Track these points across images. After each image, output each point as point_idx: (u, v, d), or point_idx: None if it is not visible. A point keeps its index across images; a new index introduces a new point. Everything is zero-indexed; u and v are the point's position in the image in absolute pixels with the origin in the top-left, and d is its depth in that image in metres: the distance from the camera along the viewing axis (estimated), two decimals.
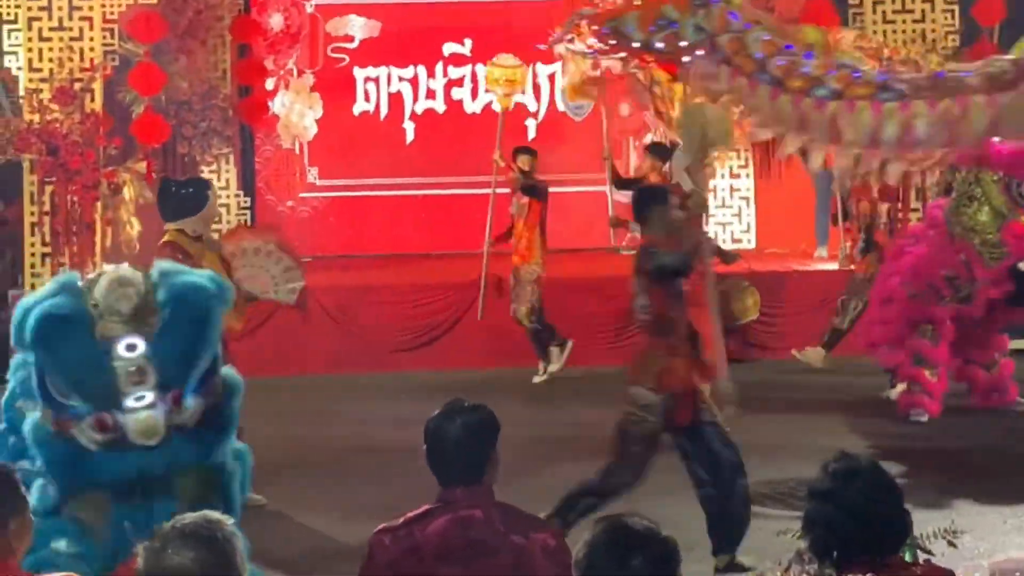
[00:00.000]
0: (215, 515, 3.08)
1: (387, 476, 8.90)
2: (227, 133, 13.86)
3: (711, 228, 15.20)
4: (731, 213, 15.65)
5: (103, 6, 13.15)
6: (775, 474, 8.76)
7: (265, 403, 9.26)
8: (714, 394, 7.85)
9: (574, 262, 13.82)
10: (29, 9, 13.00)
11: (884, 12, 13.31)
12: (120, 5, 13.17)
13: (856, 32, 12.49)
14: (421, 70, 15.14)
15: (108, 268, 4.97)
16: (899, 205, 12.98)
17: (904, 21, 13.20)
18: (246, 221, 14.07)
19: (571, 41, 11.00)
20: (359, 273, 13.54)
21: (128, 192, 12.54)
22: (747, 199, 15.65)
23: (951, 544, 4.49)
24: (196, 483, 4.88)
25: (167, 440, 4.68)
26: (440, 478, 4.05)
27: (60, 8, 13.04)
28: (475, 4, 15.43)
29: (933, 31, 13.20)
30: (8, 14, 13.29)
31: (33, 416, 4.81)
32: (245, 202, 14.46)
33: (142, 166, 12.67)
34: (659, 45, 8.95)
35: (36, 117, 12.58)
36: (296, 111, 14.66)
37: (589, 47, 10.95)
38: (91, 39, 13.15)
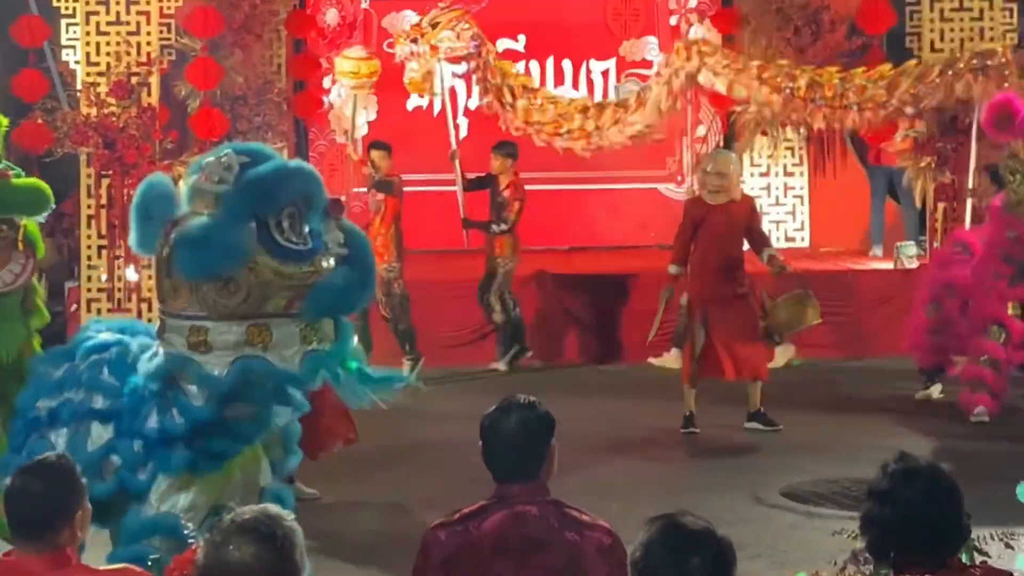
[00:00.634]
0: (275, 509, 3.08)
1: (439, 471, 8.93)
2: (281, 128, 13.92)
3: (765, 227, 15.16)
4: (785, 211, 15.57)
5: (160, 1, 13.23)
6: (828, 474, 8.73)
7: None
8: None
9: (625, 259, 13.81)
10: (87, 3, 13.08)
11: (942, 10, 13.19)
12: (177, 0, 13.25)
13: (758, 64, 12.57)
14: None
15: None
16: (954, 204, 12.89)
17: (962, 19, 13.07)
18: None
19: (415, 41, 11.10)
20: (411, 268, 13.50)
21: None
22: (801, 197, 15.57)
23: (1008, 546, 4.47)
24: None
25: None
26: (495, 474, 4.05)
27: (118, 3, 13.11)
28: (529, 0, 15.42)
29: (991, 29, 13.06)
30: (66, 8, 13.39)
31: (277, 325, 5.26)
32: None
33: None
34: None
35: (93, 111, 12.67)
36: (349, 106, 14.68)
37: (433, 48, 11.07)
38: (148, 33, 13.21)
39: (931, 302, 10.68)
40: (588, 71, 15.26)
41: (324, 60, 14.76)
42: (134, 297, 12.58)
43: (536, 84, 12.52)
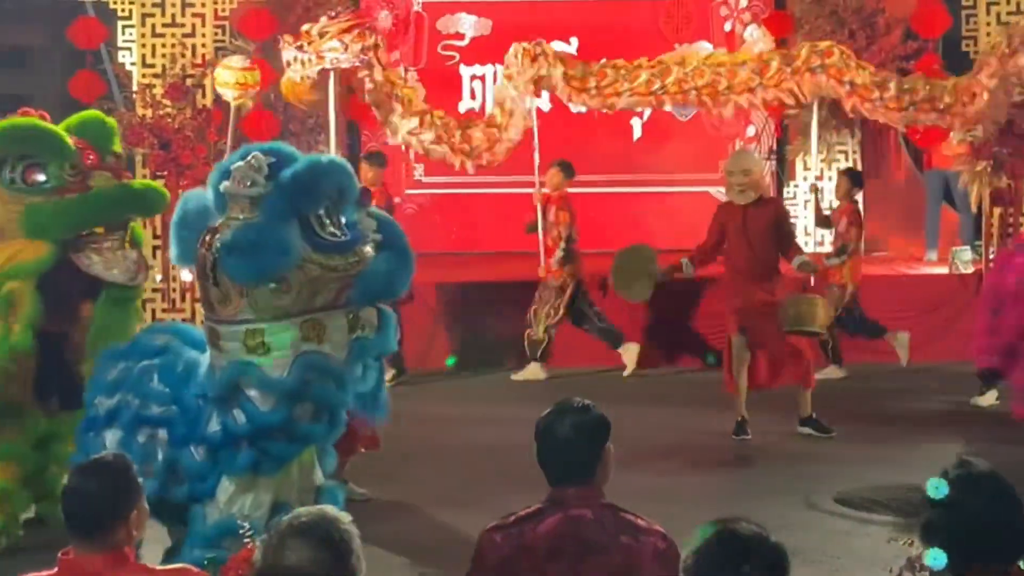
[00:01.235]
0: (333, 511, 3.09)
1: (489, 473, 8.93)
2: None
3: (818, 231, 15.06)
4: None
5: (215, 3, 13.32)
6: (882, 480, 8.66)
7: None
8: None
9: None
10: (143, 5, 13.21)
11: (998, 13, 13.08)
12: (232, 2, 13.35)
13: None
14: None
15: None
16: (1010, 210, 12.78)
17: (1018, 23, 12.95)
18: None
19: (301, 48, 11.07)
20: (464, 270, 13.58)
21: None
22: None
23: None
24: None
25: None
26: (550, 477, 4.03)
27: (173, 5, 13.24)
28: (583, 3, 15.42)
29: None
30: (123, 11, 13.49)
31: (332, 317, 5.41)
32: None
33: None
34: None
35: (148, 112, 12.77)
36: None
37: (319, 56, 11.03)
38: (203, 35, 13.33)
39: (993, 306, 10.55)
40: None
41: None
42: (188, 297, 12.66)
43: (421, 98, 12.37)
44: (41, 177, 7.34)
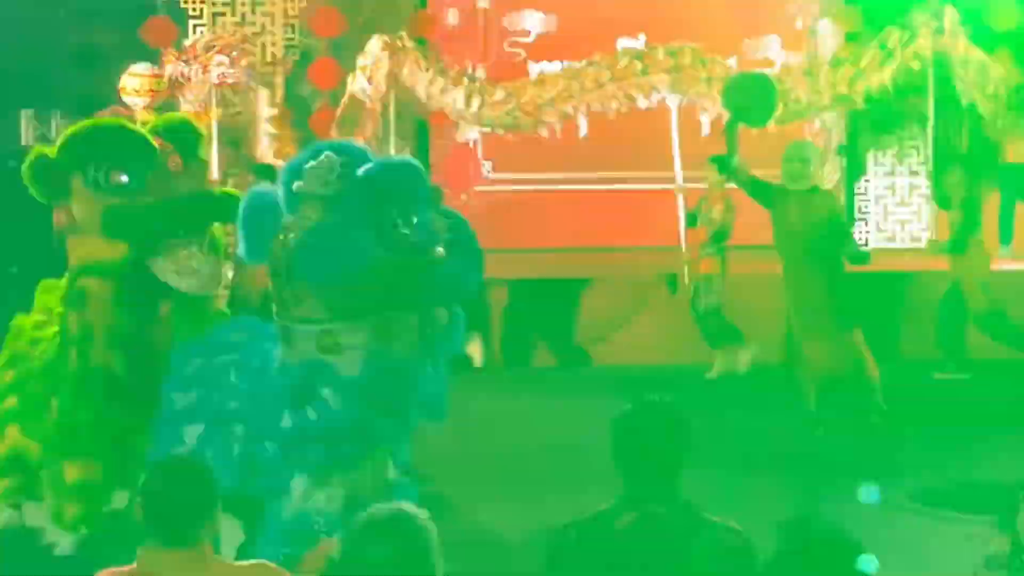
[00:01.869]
0: (410, 507, 3.09)
1: (564, 470, 8.93)
2: (404, 129, 13.99)
3: (890, 227, 14.94)
4: (910, 211, 15.31)
5: (284, 1, 13.39)
6: (962, 476, 8.58)
7: None
8: None
9: (746, 258, 13.66)
10: (213, 4, 13.29)
11: None
12: (301, 1, 13.39)
13: None
14: None
15: None
16: None
17: None
18: None
19: (186, 62, 10.99)
20: (533, 267, 13.57)
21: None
22: (926, 197, 15.28)
23: None
24: None
25: None
26: (629, 474, 4.00)
27: (243, 4, 13.33)
28: None
29: None
30: (194, 10, 13.59)
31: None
32: None
33: None
34: None
35: (220, 110, 12.84)
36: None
37: (205, 69, 10.94)
38: (272, 34, 13.41)
39: None
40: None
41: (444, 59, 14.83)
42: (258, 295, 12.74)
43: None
44: (124, 179, 7.38)
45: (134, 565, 3.73)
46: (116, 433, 7.65)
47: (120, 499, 7.84)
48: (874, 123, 13.67)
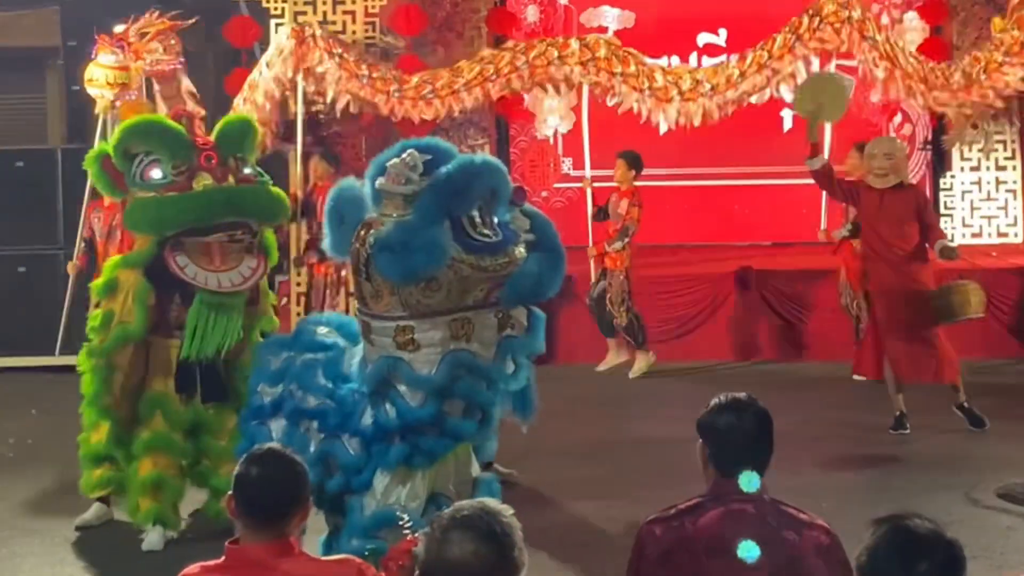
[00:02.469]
0: (494, 504, 3.07)
1: (638, 466, 8.93)
2: (483, 124, 14.03)
3: (976, 222, 14.75)
4: (997, 207, 15.09)
5: (365, 0, 13.44)
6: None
7: None
8: None
9: (822, 255, 13.59)
10: (295, 4, 13.38)
11: None
12: None
13: None
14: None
15: None
16: None
17: None
18: None
19: (121, 48, 10.86)
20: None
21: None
22: (1014, 192, 15.09)
23: None
24: None
25: None
26: (723, 470, 3.97)
27: (324, 3, 13.40)
28: None
29: None
30: (275, 9, 13.69)
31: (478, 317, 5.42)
32: None
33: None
34: None
35: (302, 109, 12.91)
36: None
37: (137, 56, 10.81)
38: (353, 32, 13.47)
39: None
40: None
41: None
42: (342, 292, 12.79)
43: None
44: (157, 174, 7.47)
45: (222, 559, 3.75)
46: (188, 428, 7.74)
47: (198, 495, 7.96)
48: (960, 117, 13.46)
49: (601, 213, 12.60)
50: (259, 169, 7.77)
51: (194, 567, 3.79)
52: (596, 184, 13.02)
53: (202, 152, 7.48)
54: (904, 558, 3.06)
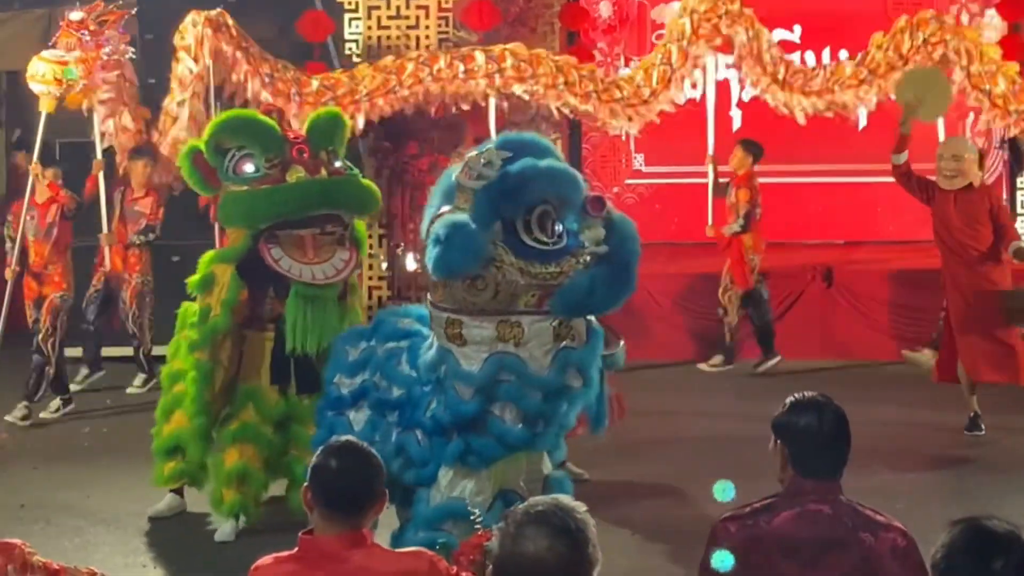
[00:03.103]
0: (568, 500, 3.06)
1: (707, 464, 8.88)
2: (555, 119, 13.99)
3: None
4: None
5: None
6: None
7: None
8: None
9: (903, 253, 13.47)
10: None
11: None
12: None
13: None
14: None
15: None
16: None
17: None
18: None
19: (82, 36, 10.71)
20: (686, 261, 13.50)
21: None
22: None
23: None
24: None
25: None
26: (801, 470, 3.93)
27: None
28: None
29: None
30: (349, 4, 13.76)
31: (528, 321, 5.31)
32: None
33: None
34: None
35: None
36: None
37: (97, 45, 10.66)
38: (426, 27, 13.52)
39: None
40: None
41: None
42: (413, 286, 12.86)
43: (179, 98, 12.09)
44: (249, 168, 7.52)
45: (295, 550, 3.77)
46: (278, 419, 7.80)
47: (277, 486, 8.01)
48: None
49: (720, 189, 12.55)
50: (348, 162, 7.81)
51: (267, 558, 3.81)
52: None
53: (294, 145, 7.54)
54: (981, 556, 3.05)
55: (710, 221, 12.53)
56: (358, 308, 7.98)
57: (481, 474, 5.52)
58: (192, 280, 7.78)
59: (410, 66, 12.37)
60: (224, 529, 7.70)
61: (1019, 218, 14.11)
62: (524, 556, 2.93)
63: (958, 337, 9.78)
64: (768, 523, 3.91)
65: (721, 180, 12.63)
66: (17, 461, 9.62)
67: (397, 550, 4.03)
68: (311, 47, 13.38)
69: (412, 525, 5.61)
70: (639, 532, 7.61)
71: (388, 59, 12.55)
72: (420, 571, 3.80)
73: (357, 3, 13.66)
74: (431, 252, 5.28)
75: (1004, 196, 13.83)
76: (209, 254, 7.86)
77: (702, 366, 12.41)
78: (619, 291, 5.37)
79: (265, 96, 11.93)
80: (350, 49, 13.92)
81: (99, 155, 11.52)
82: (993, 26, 14.17)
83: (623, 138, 14.86)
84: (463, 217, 5.21)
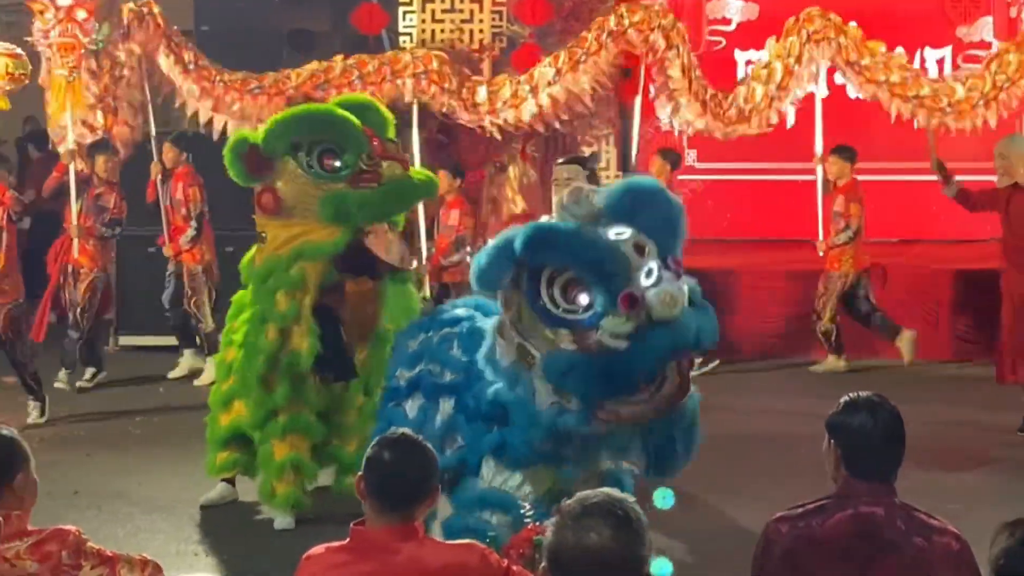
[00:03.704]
0: (618, 493, 3.06)
1: (767, 464, 8.88)
2: (608, 114, 13.96)
3: None
4: None
5: None
6: None
7: None
8: None
9: (957, 252, 13.37)
10: None
11: None
12: None
13: None
14: None
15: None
16: None
17: None
18: None
19: (65, 28, 10.62)
20: (735, 257, 13.45)
21: (512, 171, 12.80)
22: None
23: None
24: None
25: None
26: (854, 471, 3.90)
27: None
28: None
29: None
30: None
31: (539, 355, 4.98)
32: None
33: (529, 148, 12.92)
34: None
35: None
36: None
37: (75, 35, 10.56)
38: (480, 21, 13.53)
39: None
40: (922, 59, 14.74)
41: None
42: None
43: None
44: (337, 163, 7.52)
45: (347, 541, 3.79)
46: (322, 410, 7.84)
47: (326, 477, 8.05)
48: None
49: (828, 185, 12.41)
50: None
51: (319, 548, 3.83)
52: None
53: (371, 139, 7.56)
54: None
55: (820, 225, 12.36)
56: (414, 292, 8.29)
57: (525, 471, 5.47)
58: (279, 275, 7.58)
59: (338, 67, 12.19)
60: (284, 519, 7.74)
61: None
62: (587, 547, 2.93)
63: (1007, 339, 9.73)
64: (820, 525, 3.88)
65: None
66: (70, 448, 9.70)
67: (448, 542, 4.03)
68: (365, 39, 13.41)
69: (454, 514, 5.57)
70: (691, 529, 7.48)
71: (316, 63, 12.35)
72: (471, 564, 3.81)
73: None
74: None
75: None
76: (291, 251, 7.54)
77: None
78: (603, 384, 4.88)
79: (190, 87, 11.95)
80: (404, 42, 13.94)
81: (70, 146, 11.45)
82: None
83: (675, 134, 14.78)
84: (513, 234, 5.10)
